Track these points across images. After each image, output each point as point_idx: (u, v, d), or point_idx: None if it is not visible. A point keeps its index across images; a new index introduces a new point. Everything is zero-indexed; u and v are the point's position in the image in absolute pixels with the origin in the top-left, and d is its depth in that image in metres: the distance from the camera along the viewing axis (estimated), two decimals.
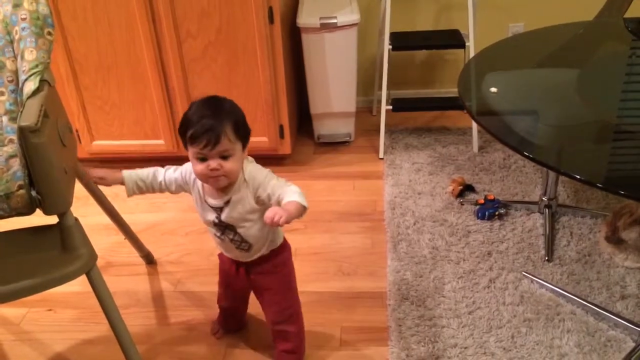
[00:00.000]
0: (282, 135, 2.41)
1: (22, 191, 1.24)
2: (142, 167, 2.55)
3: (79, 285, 1.93)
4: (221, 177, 1.25)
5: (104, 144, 2.47)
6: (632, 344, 1.56)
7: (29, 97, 1.27)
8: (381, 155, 2.56)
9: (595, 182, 1.08)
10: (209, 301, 1.83)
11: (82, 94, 2.35)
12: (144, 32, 2.19)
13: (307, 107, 2.62)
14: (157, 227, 2.22)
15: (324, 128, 2.67)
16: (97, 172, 1.42)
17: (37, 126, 1.18)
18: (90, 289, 1.93)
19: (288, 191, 1.27)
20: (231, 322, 1.71)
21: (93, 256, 1.34)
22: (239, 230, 1.37)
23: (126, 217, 1.90)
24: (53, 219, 1.32)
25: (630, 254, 1.82)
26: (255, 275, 1.48)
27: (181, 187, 1.41)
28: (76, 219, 1.33)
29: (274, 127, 2.39)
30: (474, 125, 2.54)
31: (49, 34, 1.39)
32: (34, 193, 1.23)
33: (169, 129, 2.40)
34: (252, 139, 2.35)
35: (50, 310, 1.85)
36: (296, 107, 2.70)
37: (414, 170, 2.43)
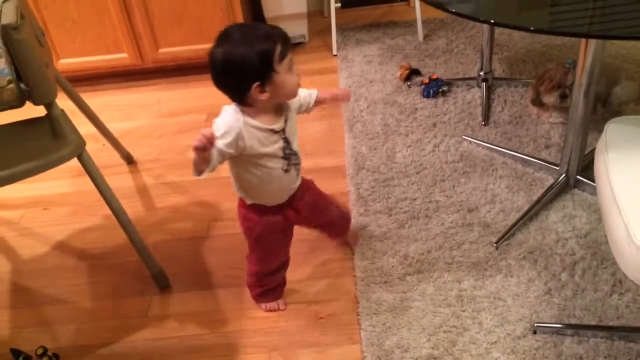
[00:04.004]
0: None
1: (11, 85, 1.39)
2: (107, 82, 2.73)
3: (69, 186, 2.14)
4: None
5: (69, 62, 2.58)
6: (552, 181, 1.84)
7: (4, 2, 1.41)
8: (334, 52, 2.74)
9: (511, 24, 1.32)
10: (189, 188, 2.06)
11: (43, 13, 2.43)
12: None
13: (262, 12, 2.75)
14: (131, 133, 2.39)
15: None
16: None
17: (18, 24, 1.32)
18: (80, 188, 2.14)
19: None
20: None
21: (82, 141, 1.52)
22: (294, 148, 1.34)
23: None
24: (41, 112, 1.49)
25: (554, 112, 2.08)
26: (299, 201, 1.43)
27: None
28: (62, 110, 1.50)
29: None
30: (419, 16, 2.71)
31: None
32: (22, 86, 1.39)
33: (130, 41, 2.52)
34: (212, 44, 2.55)
35: (45, 209, 2.04)
36: (251, 12, 2.82)
37: (366, 62, 2.62)
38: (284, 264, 1.55)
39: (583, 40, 1.58)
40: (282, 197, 1.40)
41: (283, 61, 1.20)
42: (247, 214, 1.42)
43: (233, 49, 1.19)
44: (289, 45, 1.22)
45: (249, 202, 1.40)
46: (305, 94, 1.43)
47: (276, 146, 1.30)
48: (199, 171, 1.21)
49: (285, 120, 1.31)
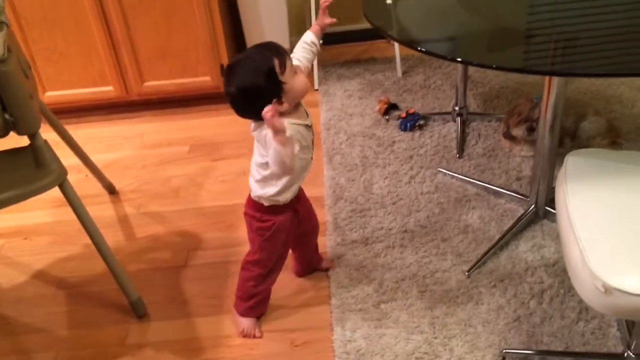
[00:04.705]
0: (223, 74, 2.63)
1: None
2: (92, 114, 2.77)
3: (51, 216, 2.16)
4: None
5: (56, 95, 2.62)
6: (522, 212, 1.90)
7: None
8: (316, 86, 2.82)
9: (474, 61, 1.40)
10: (170, 218, 2.09)
11: (31, 47, 2.49)
12: None
13: (246, 47, 2.84)
14: (115, 164, 2.43)
15: None
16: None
17: (4, 56, 1.37)
18: (61, 217, 2.16)
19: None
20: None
21: (63, 171, 1.56)
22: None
23: None
24: (24, 142, 1.53)
25: (525, 146, 2.15)
26: (301, 196, 1.59)
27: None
28: (45, 140, 1.54)
29: (215, 67, 2.60)
30: (397, 53, 2.81)
31: None
32: (7, 116, 1.43)
33: (116, 74, 2.58)
34: (196, 78, 2.63)
35: (26, 239, 2.06)
36: (235, 46, 2.90)
37: (346, 96, 2.70)
38: (283, 259, 1.63)
39: (547, 77, 1.66)
40: (297, 187, 1.53)
41: (285, 70, 1.32)
42: (262, 216, 1.51)
43: (242, 82, 1.32)
44: (283, 52, 1.33)
45: (267, 203, 1.48)
46: (307, 51, 1.48)
47: (309, 138, 1.44)
48: (289, 159, 1.30)
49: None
